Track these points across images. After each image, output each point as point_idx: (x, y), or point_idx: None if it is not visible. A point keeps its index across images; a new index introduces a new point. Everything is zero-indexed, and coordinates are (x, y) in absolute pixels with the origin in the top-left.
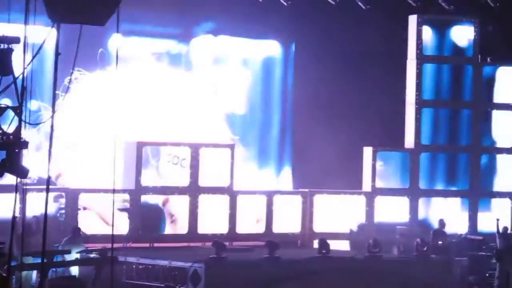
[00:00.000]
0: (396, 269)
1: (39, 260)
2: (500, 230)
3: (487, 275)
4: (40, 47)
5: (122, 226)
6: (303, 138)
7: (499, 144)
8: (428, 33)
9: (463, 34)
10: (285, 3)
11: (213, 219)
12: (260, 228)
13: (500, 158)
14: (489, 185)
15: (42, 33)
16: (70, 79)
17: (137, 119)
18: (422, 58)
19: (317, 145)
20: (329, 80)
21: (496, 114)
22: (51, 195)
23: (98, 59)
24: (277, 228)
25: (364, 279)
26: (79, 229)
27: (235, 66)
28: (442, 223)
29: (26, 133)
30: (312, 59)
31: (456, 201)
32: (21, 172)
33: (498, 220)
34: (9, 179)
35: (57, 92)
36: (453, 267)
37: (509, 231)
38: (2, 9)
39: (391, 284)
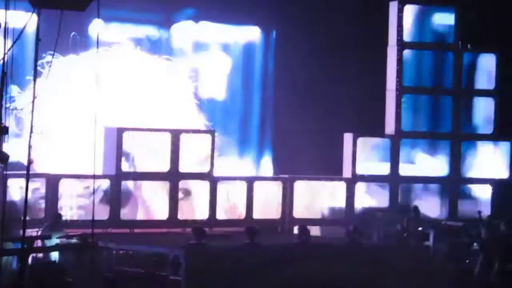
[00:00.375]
0: (376, 255)
1: (19, 246)
2: (484, 220)
3: (467, 261)
4: (21, 33)
5: (103, 211)
6: (283, 125)
7: (479, 131)
8: (408, 19)
9: (444, 21)
10: None
11: (193, 205)
12: (240, 214)
13: (481, 145)
14: (470, 171)
15: (22, 19)
16: (47, 63)
17: (116, 104)
18: (403, 45)
19: (298, 132)
20: (309, 67)
21: (477, 101)
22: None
23: (70, 43)
24: (257, 214)
25: (344, 265)
26: (59, 214)
27: (216, 52)
28: (416, 210)
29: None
30: (292, 46)
31: (437, 188)
32: (1, 158)
33: (480, 212)
34: None
35: (29, 77)
36: (433, 253)
37: (493, 221)
38: None
39: (371, 271)
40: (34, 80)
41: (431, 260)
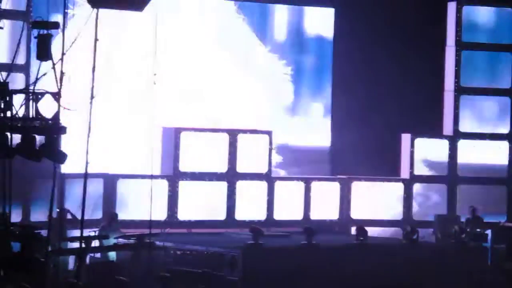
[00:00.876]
0: (433, 256)
1: (76, 246)
2: None
3: None
4: (79, 33)
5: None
6: (340, 122)
7: None
8: (467, 19)
9: (503, 21)
10: None
11: (250, 206)
12: (298, 215)
13: None
14: None
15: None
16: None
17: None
18: (461, 45)
19: (355, 130)
20: (367, 67)
21: None
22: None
23: None
24: (314, 215)
25: (401, 266)
26: (116, 214)
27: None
28: (474, 210)
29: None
30: (352, 40)
31: (496, 189)
32: (59, 158)
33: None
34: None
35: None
36: (491, 254)
37: None
38: None
39: (428, 271)
40: (93, 80)
41: (487, 260)
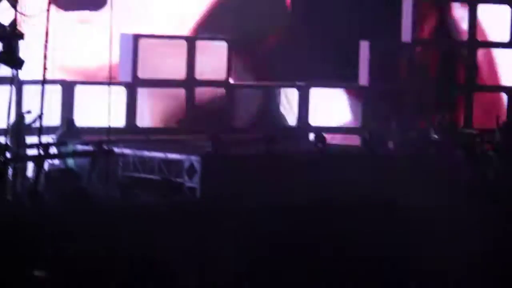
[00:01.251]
0: (392, 163)
1: (34, 152)
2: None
3: (480, 168)
4: None
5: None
6: (300, 28)
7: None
8: None
9: None
10: None
11: (209, 113)
12: (258, 122)
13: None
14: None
15: None
16: None
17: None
18: None
19: (314, 36)
20: None
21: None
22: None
23: None
24: (273, 121)
25: (360, 173)
26: (73, 121)
27: None
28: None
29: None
30: None
31: None
32: (17, 64)
33: (498, 116)
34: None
35: None
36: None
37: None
38: None
39: (387, 178)
40: None
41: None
